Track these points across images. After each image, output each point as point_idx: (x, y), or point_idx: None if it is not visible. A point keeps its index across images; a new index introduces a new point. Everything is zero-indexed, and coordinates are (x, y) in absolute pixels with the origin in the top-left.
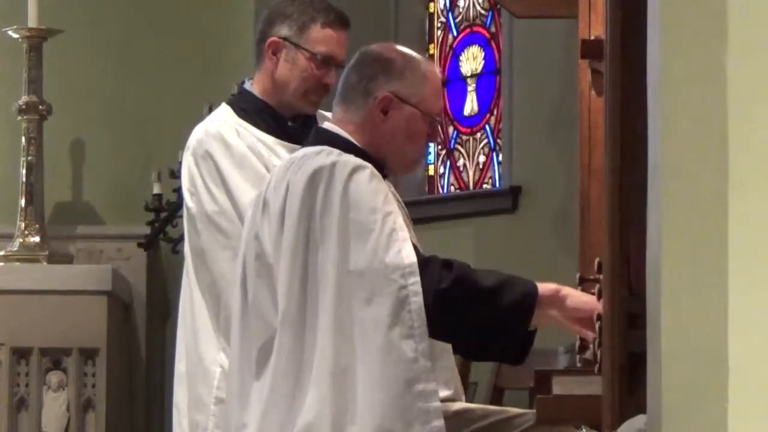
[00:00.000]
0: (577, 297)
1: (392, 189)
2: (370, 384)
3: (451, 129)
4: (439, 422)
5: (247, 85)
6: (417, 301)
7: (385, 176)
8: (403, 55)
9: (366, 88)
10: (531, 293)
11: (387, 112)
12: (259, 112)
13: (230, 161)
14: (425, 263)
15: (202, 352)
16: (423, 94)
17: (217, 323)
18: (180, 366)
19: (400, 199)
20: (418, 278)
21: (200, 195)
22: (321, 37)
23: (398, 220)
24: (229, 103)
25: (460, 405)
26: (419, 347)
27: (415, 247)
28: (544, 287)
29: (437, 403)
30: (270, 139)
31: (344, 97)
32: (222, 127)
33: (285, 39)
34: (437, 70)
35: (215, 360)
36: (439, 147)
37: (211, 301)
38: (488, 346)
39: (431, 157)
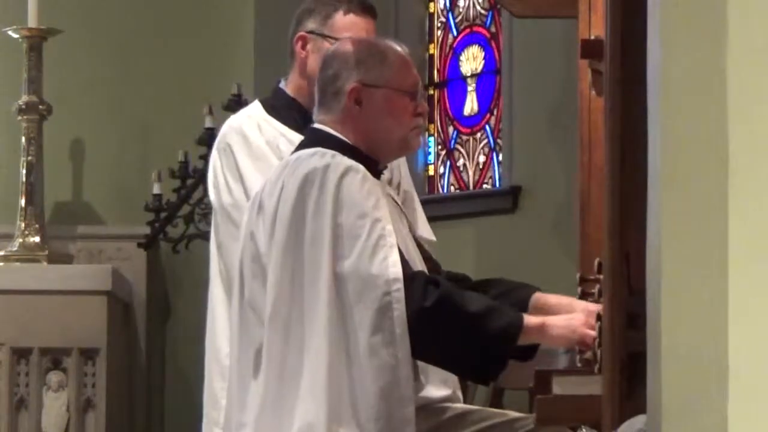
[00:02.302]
0: (562, 328)
1: (397, 190)
2: (358, 388)
3: (451, 129)
4: (411, 428)
5: (282, 84)
6: (399, 308)
7: (381, 171)
8: (359, 43)
9: (334, 88)
10: (516, 323)
11: (361, 102)
12: (287, 109)
13: (247, 153)
14: (411, 277)
15: (218, 345)
16: (388, 73)
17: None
18: (205, 361)
19: (405, 198)
20: (401, 285)
21: (220, 188)
22: (345, 24)
23: (387, 226)
24: (261, 100)
25: (461, 407)
26: (399, 354)
27: (404, 261)
28: (530, 319)
29: (412, 408)
30: (294, 135)
31: (320, 103)
32: (244, 121)
33: (311, 32)
34: (399, 46)
35: (229, 354)
36: (439, 147)
37: (226, 293)
38: (467, 370)
39: (431, 157)
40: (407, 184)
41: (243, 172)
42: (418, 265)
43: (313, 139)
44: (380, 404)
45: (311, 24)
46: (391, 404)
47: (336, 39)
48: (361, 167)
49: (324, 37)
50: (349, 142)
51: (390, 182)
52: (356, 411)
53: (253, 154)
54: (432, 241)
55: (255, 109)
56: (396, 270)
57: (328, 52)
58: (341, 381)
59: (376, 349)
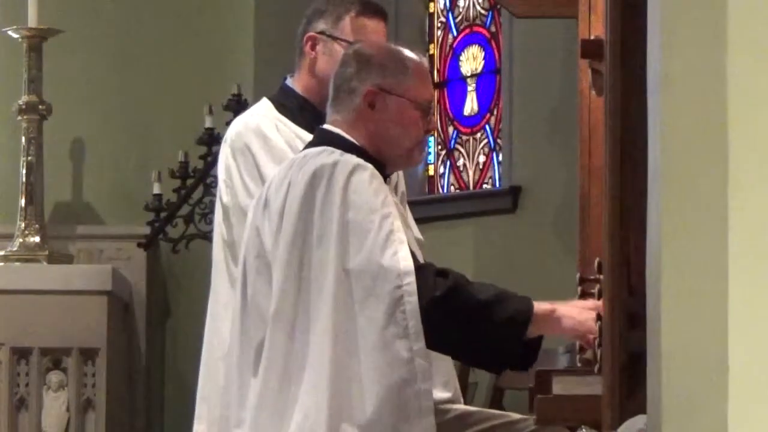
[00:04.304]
0: (572, 318)
1: (395, 192)
2: (366, 383)
3: (451, 129)
4: (431, 420)
5: (289, 82)
6: (412, 301)
7: (387, 176)
8: (383, 48)
9: (350, 87)
10: (525, 310)
11: (374, 106)
12: (299, 109)
13: (268, 155)
14: (420, 268)
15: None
16: (406, 82)
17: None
18: (205, 359)
19: (401, 199)
20: (413, 278)
21: (236, 188)
22: (356, 27)
23: (396, 222)
24: (270, 99)
25: (461, 408)
26: (414, 347)
27: (412, 253)
28: (540, 306)
29: (430, 403)
30: (308, 137)
31: (333, 101)
32: (261, 121)
33: (321, 33)
34: (420, 58)
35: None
36: (439, 147)
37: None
38: (479, 359)
39: (431, 157)
40: (402, 184)
41: (264, 173)
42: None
43: (322, 139)
44: (395, 399)
45: (322, 25)
46: (408, 399)
47: (346, 41)
48: (369, 165)
49: (334, 39)
50: (357, 143)
51: (396, 187)
52: (367, 406)
53: (275, 156)
54: (420, 239)
55: (267, 109)
56: (407, 264)
57: (349, 49)
58: (346, 377)
59: (388, 343)
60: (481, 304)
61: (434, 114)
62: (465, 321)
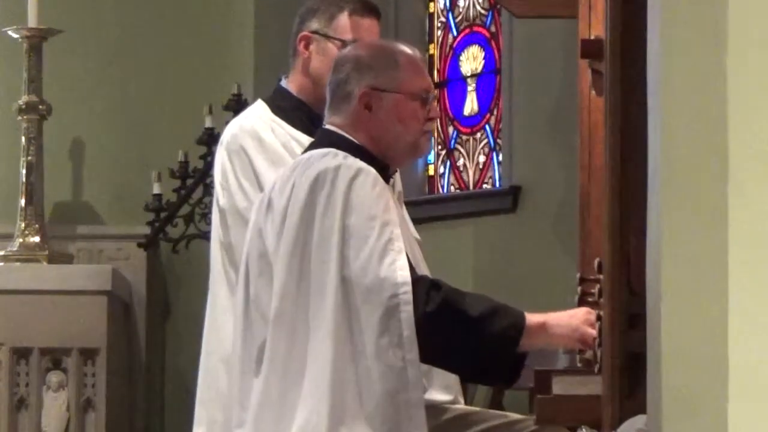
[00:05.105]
0: (562, 327)
1: (392, 189)
2: (363, 388)
3: (451, 129)
4: (422, 430)
5: (284, 83)
6: (407, 310)
7: (390, 176)
8: (372, 47)
9: (344, 91)
10: (517, 324)
11: (371, 107)
12: (294, 111)
13: (264, 158)
14: (414, 281)
15: (227, 348)
16: (399, 77)
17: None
18: (203, 361)
19: (398, 198)
20: (409, 288)
21: (232, 190)
22: (349, 25)
23: (396, 230)
24: (265, 100)
25: (461, 408)
26: (407, 356)
27: (410, 265)
28: (531, 318)
29: (421, 412)
30: (304, 138)
31: (330, 106)
32: (257, 123)
33: (315, 32)
34: (412, 50)
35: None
36: (439, 147)
37: (233, 295)
38: (471, 373)
39: (431, 157)
40: (399, 183)
41: (261, 177)
42: (422, 268)
43: (325, 140)
44: (387, 407)
45: (315, 24)
46: (399, 407)
47: (340, 40)
48: (372, 170)
49: (328, 38)
50: (360, 144)
51: (393, 186)
52: (362, 413)
53: (271, 159)
54: (417, 239)
55: (262, 110)
56: (404, 274)
57: (340, 54)
58: (346, 382)
59: (383, 351)
60: (472, 320)
61: (437, 99)
62: (457, 337)
